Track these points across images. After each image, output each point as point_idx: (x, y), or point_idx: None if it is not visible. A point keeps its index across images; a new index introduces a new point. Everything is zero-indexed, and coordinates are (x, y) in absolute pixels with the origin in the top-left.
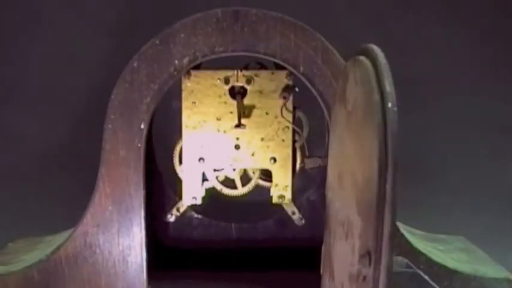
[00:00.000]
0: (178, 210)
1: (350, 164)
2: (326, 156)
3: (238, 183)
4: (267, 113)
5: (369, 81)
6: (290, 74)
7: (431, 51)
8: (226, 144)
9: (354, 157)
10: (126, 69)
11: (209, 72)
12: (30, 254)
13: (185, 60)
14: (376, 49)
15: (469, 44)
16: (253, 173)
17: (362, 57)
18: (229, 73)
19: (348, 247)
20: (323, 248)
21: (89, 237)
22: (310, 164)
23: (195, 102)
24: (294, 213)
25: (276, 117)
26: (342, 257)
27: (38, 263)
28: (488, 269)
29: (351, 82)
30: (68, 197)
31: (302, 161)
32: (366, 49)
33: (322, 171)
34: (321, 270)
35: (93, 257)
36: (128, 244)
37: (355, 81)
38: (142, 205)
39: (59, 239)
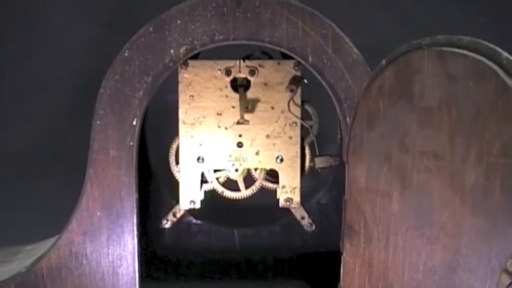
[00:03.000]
0: (174, 215)
1: (440, 165)
2: (338, 154)
3: (241, 185)
4: (272, 108)
5: (496, 77)
6: (298, 64)
7: (452, 33)
8: (228, 142)
9: (453, 157)
10: (117, 60)
11: (208, 63)
12: (8, 266)
13: (182, 50)
14: (487, 44)
15: (491, 26)
16: (258, 173)
17: (458, 50)
18: (230, 63)
19: (439, 250)
20: (344, 257)
21: (74, 247)
22: (320, 163)
23: (193, 96)
24: (303, 218)
25: (283, 112)
26: (421, 260)
27: (16, 276)
28: None
29: (430, 75)
30: (52, 201)
31: (312, 160)
32: (460, 42)
33: (334, 171)
34: (341, 283)
35: (79, 269)
36: (118, 254)
37: (445, 76)
38: (135, 210)
39: (40, 248)
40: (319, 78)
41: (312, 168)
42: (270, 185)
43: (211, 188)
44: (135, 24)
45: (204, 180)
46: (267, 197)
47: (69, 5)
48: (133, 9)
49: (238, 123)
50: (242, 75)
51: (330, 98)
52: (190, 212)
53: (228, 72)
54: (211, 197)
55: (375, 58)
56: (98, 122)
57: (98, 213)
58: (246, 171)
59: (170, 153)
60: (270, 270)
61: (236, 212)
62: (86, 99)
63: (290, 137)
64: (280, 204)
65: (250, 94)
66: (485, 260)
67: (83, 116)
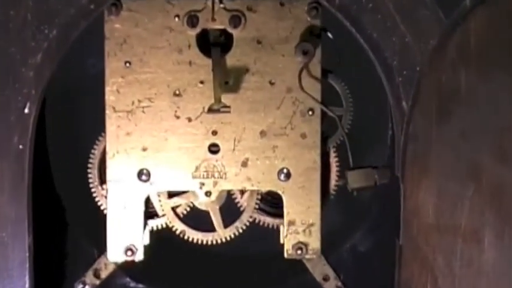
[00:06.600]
0: (97, 274)
1: None
2: (388, 165)
3: (216, 219)
4: (271, 83)
5: None
6: (316, 6)
7: None
8: (193, 144)
9: None
10: None
11: (158, 4)
12: None
13: None
14: None
15: None
16: (246, 199)
17: None
18: (197, 5)
19: None
20: None
21: None
22: (356, 181)
23: (130, 63)
24: (326, 278)
25: (290, 90)
26: None
27: None
28: None
29: None
30: None
31: (342, 176)
32: None
33: (381, 195)
34: None
35: None
36: None
37: None
38: (27, 266)
39: None
40: (354, 31)
41: (341, 189)
42: (268, 220)
43: (163, 226)
44: None
45: (150, 212)
46: (262, 240)
47: None
48: None
49: (210, 110)
50: (218, 26)
51: (373, 67)
52: (125, 268)
53: (192, 20)
54: (162, 241)
55: None
56: None
57: None
58: (224, 195)
59: (91, 165)
60: None
61: (208, 267)
62: None
63: (303, 135)
64: (287, 254)
65: (231, 59)
66: None
67: None
